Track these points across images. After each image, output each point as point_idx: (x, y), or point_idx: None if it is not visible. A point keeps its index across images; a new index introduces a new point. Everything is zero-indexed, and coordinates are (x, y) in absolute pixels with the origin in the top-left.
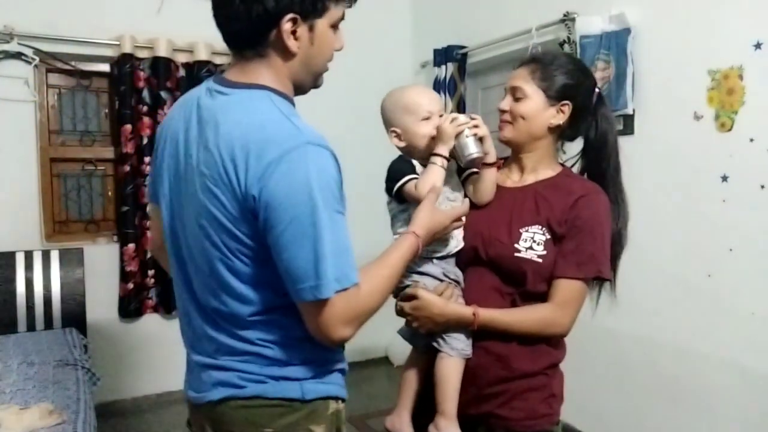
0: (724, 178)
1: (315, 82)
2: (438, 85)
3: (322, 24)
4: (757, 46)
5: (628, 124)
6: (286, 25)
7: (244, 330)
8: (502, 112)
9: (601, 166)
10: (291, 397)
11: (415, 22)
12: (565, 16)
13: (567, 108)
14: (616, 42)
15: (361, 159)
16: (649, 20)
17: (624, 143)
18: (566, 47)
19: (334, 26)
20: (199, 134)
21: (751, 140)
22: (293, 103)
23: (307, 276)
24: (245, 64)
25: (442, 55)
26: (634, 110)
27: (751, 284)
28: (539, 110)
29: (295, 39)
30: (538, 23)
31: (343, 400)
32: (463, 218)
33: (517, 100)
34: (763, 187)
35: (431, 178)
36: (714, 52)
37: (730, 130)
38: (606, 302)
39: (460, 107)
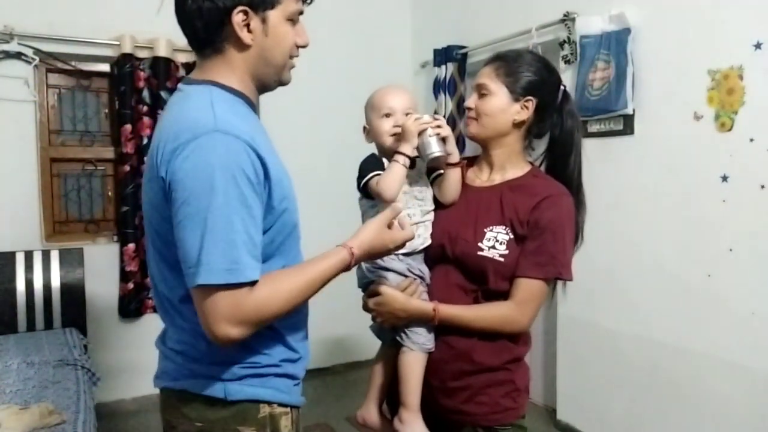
0: (724, 178)
1: (279, 77)
2: (438, 85)
3: (275, 16)
4: (757, 46)
5: (628, 124)
6: (237, 18)
7: (179, 317)
8: (468, 109)
9: (565, 163)
10: (215, 395)
11: (415, 22)
12: (565, 16)
13: (531, 104)
14: (616, 42)
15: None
16: (649, 20)
17: (624, 143)
18: (566, 47)
19: (292, 20)
20: (156, 129)
21: (751, 140)
22: (249, 100)
23: (190, 260)
24: (205, 63)
25: (442, 55)
26: (634, 110)
27: (751, 284)
28: (503, 106)
29: (249, 31)
30: (538, 23)
31: (285, 405)
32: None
33: (481, 96)
34: (763, 187)
35: (391, 175)
36: (714, 52)
37: (730, 130)
38: (606, 302)
39: (460, 107)
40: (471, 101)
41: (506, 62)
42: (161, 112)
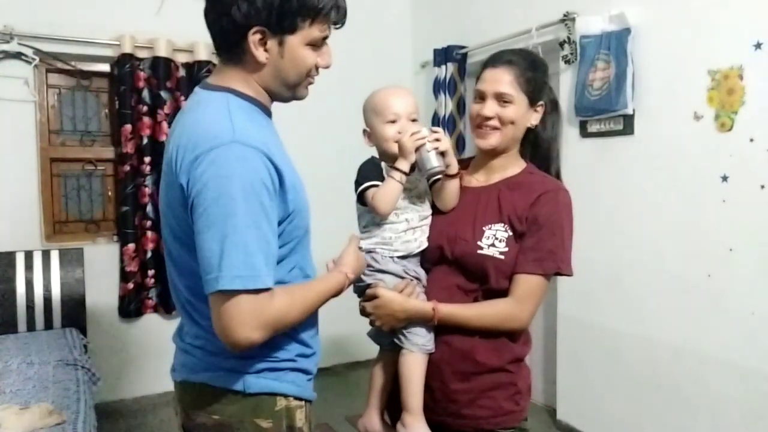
0: (724, 178)
1: (293, 93)
2: (438, 85)
3: (293, 41)
4: (757, 46)
5: (628, 124)
6: (253, 37)
7: (196, 313)
8: (488, 118)
9: (548, 150)
10: (233, 388)
11: (415, 22)
12: (565, 16)
13: (542, 108)
14: (616, 42)
15: (359, 159)
16: (649, 20)
17: (624, 143)
18: (566, 47)
19: (313, 44)
20: (173, 132)
21: (751, 140)
22: (263, 106)
23: (211, 267)
24: (223, 67)
25: (442, 55)
26: (634, 110)
27: (751, 284)
28: (524, 113)
29: (265, 50)
30: (538, 23)
31: (300, 399)
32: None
33: (503, 105)
34: (763, 187)
35: (387, 192)
36: (714, 52)
37: (730, 130)
38: (606, 302)
39: (460, 107)
40: (490, 110)
41: (524, 69)
42: (162, 111)
